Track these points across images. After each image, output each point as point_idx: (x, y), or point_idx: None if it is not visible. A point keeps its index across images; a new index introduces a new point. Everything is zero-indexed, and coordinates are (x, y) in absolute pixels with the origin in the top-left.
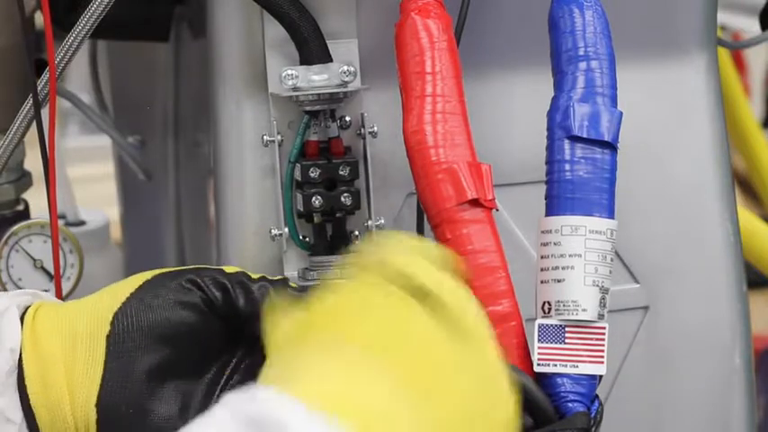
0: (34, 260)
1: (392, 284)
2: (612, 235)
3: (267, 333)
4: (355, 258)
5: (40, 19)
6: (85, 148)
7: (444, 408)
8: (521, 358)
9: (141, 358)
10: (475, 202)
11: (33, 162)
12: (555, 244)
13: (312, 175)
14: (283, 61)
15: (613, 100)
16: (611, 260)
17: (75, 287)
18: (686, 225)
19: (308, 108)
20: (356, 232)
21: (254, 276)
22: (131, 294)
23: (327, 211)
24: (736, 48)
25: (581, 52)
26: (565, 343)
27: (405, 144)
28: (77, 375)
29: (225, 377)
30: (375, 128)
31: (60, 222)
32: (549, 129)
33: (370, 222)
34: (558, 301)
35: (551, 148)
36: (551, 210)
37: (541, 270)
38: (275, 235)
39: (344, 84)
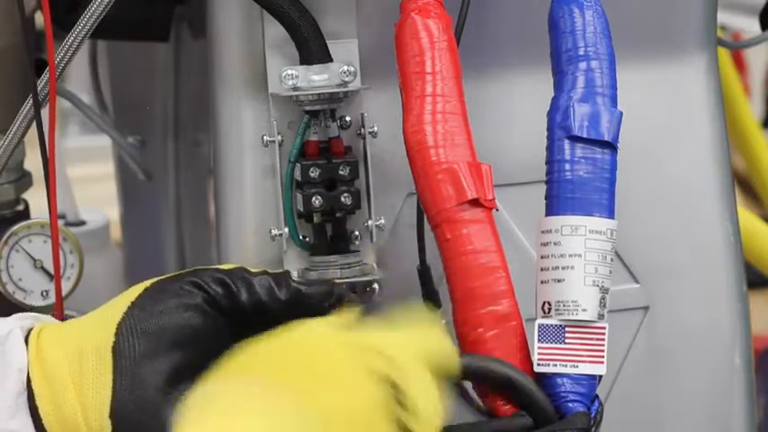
0: (34, 260)
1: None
2: (612, 235)
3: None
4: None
5: (40, 19)
6: (85, 148)
7: None
8: (521, 358)
9: (150, 365)
10: (475, 202)
11: (33, 162)
12: (555, 244)
13: (312, 175)
14: (283, 61)
15: (613, 100)
16: (611, 260)
17: (75, 287)
18: (686, 225)
19: (308, 108)
20: (356, 232)
21: (255, 270)
22: (132, 303)
23: (327, 211)
24: (736, 48)
25: (581, 52)
26: (565, 343)
27: (405, 144)
28: (87, 389)
29: None
30: (375, 128)
31: (60, 222)
32: (549, 129)
33: (370, 222)
34: (558, 301)
35: (551, 148)
36: (551, 210)
37: (541, 270)
38: (275, 235)
39: (344, 84)
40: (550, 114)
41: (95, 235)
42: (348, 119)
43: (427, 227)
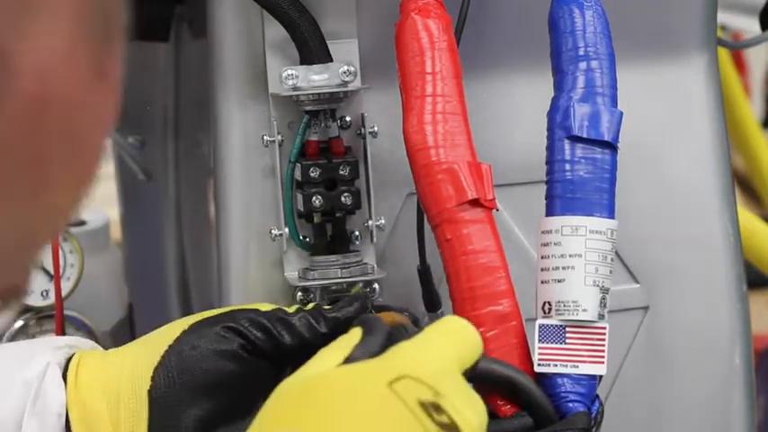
0: None
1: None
2: (613, 235)
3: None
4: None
5: None
6: None
7: None
8: (521, 358)
9: (185, 412)
10: (475, 202)
11: None
12: (555, 244)
13: (312, 174)
14: (283, 61)
15: (613, 100)
16: (612, 260)
17: (75, 287)
18: (686, 225)
19: (308, 108)
20: (356, 232)
21: (290, 310)
22: (170, 347)
23: (327, 211)
24: (736, 48)
25: (581, 52)
26: (565, 343)
27: (405, 144)
28: None
29: None
30: (375, 128)
31: None
32: (550, 129)
33: (370, 222)
34: (559, 302)
35: (551, 148)
36: (552, 210)
37: (542, 270)
38: (275, 235)
39: (345, 84)
40: (550, 114)
41: (95, 235)
42: (348, 119)
43: (427, 227)
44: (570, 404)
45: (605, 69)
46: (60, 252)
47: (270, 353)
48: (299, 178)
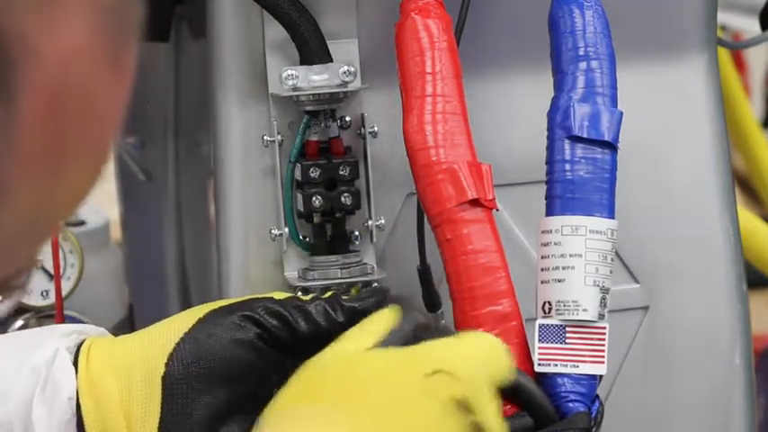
0: None
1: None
2: (613, 235)
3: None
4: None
5: None
6: None
7: None
8: (521, 358)
9: (199, 400)
10: (475, 202)
11: None
12: (555, 244)
13: (312, 175)
14: (283, 61)
15: (613, 100)
16: (612, 260)
17: (75, 287)
18: (686, 225)
19: (308, 108)
20: (356, 232)
21: (306, 298)
22: (185, 335)
23: (327, 211)
24: (736, 48)
25: (581, 52)
26: (565, 343)
27: (405, 144)
28: (135, 419)
29: None
30: (375, 128)
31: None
32: (550, 129)
33: (370, 222)
34: (559, 301)
35: (551, 148)
36: (552, 210)
37: (542, 270)
38: (275, 235)
39: (344, 84)
40: (550, 114)
41: (95, 235)
42: (348, 119)
43: (427, 227)
44: (570, 404)
45: (605, 69)
46: (60, 252)
47: (286, 342)
48: (299, 178)
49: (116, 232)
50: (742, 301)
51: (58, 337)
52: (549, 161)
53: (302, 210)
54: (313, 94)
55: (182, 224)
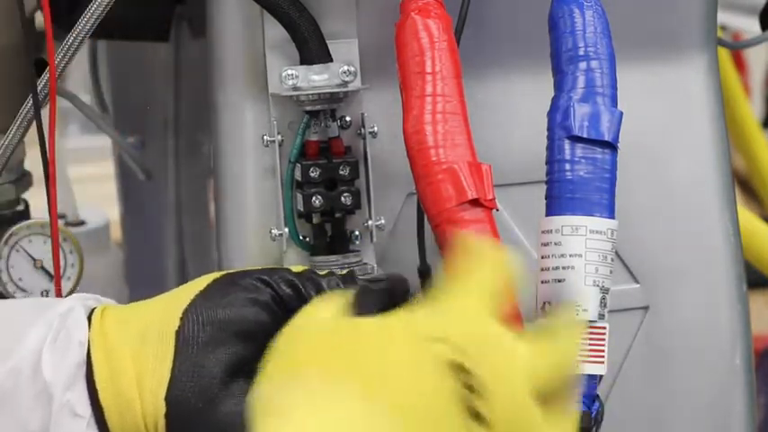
0: (34, 260)
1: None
2: (613, 235)
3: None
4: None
5: (40, 19)
6: (85, 148)
7: None
8: None
9: (212, 353)
10: (475, 202)
11: (33, 162)
12: (555, 244)
13: (312, 175)
14: (283, 61)
15: (613, 100)
16: (612, 260)
17: (75, 287)
18: (686, 225)
19: (308, 108)
20: (356, 232)
21: (322, 273)
22: (200, 292)
23: (327, 211)
24: (736, 48)
25: (581, 52)
26: None
27: (405, 144)
28: (146, 369)
29: None
30: (375, 128)
31: (60, 222)
32: (550, 129)
33: (370, 222)
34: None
35: (551, 148)
36: (552, 210)
37: (542, 270)
38: (275, 235)
39: (345, 84)
40: (550, 114)
41: (95, 235)
42: (348, 119)
43: (427, 227)
44: None
45: (605, 69)
46: (60, 252)
47: (297, 310)
48: (299, 178)
49: (116, 232)
50: (742, 301)
51: (72, 299)
52: (549, 161)
53: (302, 210)
54: (313, 94)
55: (182, 224)
